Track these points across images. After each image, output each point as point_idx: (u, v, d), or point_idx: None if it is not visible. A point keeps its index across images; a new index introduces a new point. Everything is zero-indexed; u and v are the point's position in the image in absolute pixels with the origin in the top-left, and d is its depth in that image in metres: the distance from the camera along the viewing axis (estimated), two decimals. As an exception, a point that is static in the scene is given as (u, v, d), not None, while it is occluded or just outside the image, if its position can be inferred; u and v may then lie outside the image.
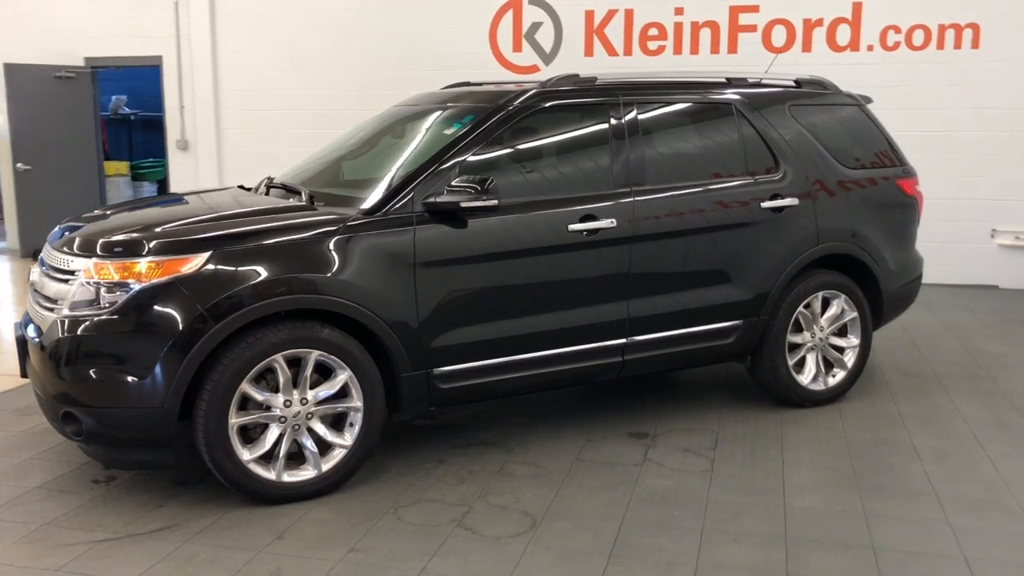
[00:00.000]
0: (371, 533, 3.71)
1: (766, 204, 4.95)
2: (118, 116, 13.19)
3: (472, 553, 3.55)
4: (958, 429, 4.93)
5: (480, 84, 5.39)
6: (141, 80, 12.71)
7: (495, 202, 4.13)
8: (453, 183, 4.13)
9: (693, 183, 4.87)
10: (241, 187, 5.12)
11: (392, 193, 4.18)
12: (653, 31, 9.34)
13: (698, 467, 4.40)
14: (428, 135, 4.63)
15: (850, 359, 5.34)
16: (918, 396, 5.48)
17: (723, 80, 5.18)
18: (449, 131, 4.49)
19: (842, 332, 5.35)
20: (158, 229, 3.94)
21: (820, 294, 5.17)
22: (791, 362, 5.14)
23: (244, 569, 3.43)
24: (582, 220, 4.46)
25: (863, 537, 3.69)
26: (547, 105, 4.61)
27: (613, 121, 4.70)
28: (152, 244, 3.81)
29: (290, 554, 3.53)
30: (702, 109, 5.09)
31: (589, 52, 9.54)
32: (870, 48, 8.94)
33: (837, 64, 8.80)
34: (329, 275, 3.92)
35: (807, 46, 9.07)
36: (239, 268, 3.81)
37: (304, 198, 4.40)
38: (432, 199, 4.14)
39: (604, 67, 9.39)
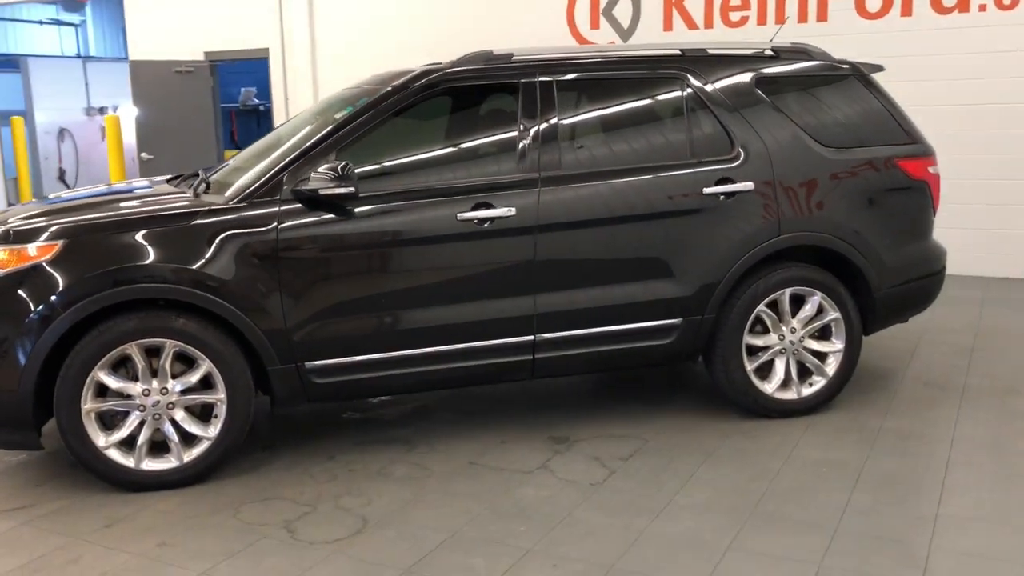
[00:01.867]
0: (195, 528, 3.64)
1: (710, 190, 4.42)
2: (247, 107, 13.87)
3: (270, 557, 3.40)
4: (934, 453, 4.23)
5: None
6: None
7: (350, 189, 3.92)
8: (319, 169, 3.96)
9: (619, 167, 4.42)
10: (176, 177, 5.18)
11: (258, 180, 4.07)
12: (735, 1, 8.66)
13: (591, 479, 4.01)
14: (325, 119, 4.47)
15: (832, 366, 4.70)
16: (919, 411, 4.75)
17: (677, 52, 4.67)
18: (340, 115, 4.31)
19: (824, 335, 4.71)
20: (22, 218, 4.03)
21: (787, 291, 4.56)
22: (751, 367, 4.58)
23: (48, 555, 3.45)
24: (475, 208, 4.16)
25: (702, 574, 3.22)
26: (448, 85, 4.32)
27: (524, 101, 4.34)
28: (12, 233, 3.91)
29: (103, 544, 3.53)
30: (642, 85, 4.61)
31: (668, 26, 9.00)
32: (982, 8, 7.85)
33: (937, 29, 7.81)
34: (181, 264, 3.87)
35: (906, 10, 8.09)
36: (90, 257, 3.83)
37: (199, 187, 4.36)
38: (298, 187, 4.00)
39: (684, 41, 8.82)
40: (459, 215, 4.14)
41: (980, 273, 8.05)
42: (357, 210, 4.05)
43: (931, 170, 4.83)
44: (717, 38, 8.70)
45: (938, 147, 4.97)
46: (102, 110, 15.03)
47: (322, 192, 3.91)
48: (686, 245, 4.43)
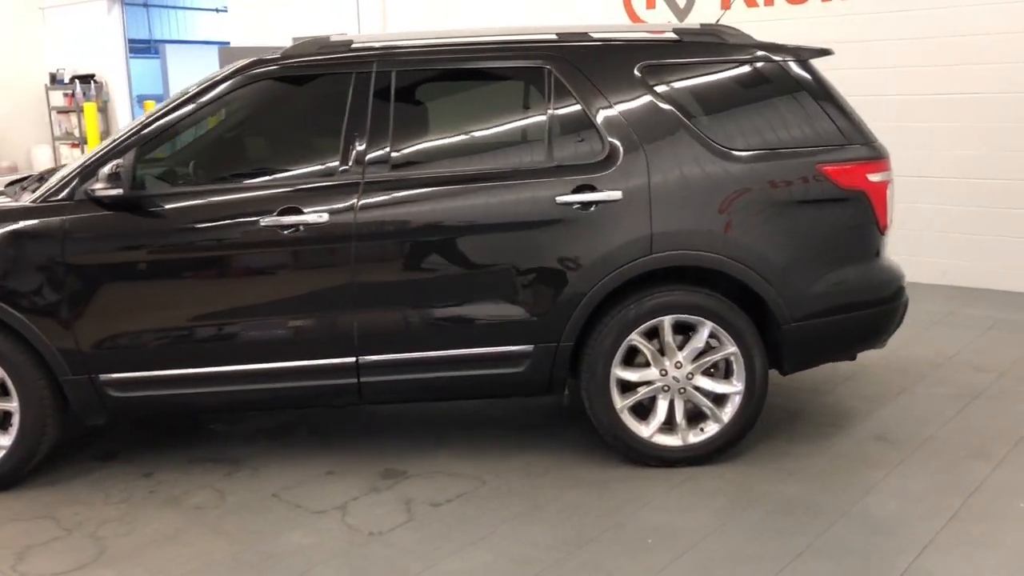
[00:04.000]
0: (-63, 545, 3.48)
1: (564, 198, 3.79)
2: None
3: (-33, 588, 3.18)
4: (804, 531, 3.44)
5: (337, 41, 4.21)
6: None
7: (116, 192, 3.61)
8: (103, 169, 3.68)
9: (459, 171, 3.87)
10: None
11: (60, 179, 3.84)
12: (797, -25, 7.68)
13: (379, 527, 3.53)
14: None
15: (729, 410, 3.95)
16: (834, 474, 3.93)
17: (550, 38, 4.02)
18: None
19: (727, 372, 3.97)
20: None
21: (667, 319, 3.86)
22: (622, 404, 3.92)
23: None
24: (282, 213, 3.75)
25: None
26: (272, 76, 3.92)
27: (355, 94, 3.87)
28: None
29: None
30: (498, 77, 4.01)
31: (727, 5, 8.10)
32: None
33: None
34: (-39, 267, 3.70)
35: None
36: None
37: (30, 186, 4.20)
38: (87, 187, 3.74)
39: (742, 21, 7.92)
40: (263, 221, 3.74)
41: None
42: (150, 212, 3.73)
43: (873, 178, 3.94)
44: (776, 15, 7.76)
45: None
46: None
47: (98, 194, 3.63)
48: (537, 262, 3.82)
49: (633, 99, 3.88)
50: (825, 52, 4.14)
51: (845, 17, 7.43)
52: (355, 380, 3.87)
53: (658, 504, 3.65)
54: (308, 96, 4.04)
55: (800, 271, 3.87)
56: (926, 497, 3.66)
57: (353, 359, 3.84)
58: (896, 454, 4.08)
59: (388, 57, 3.91)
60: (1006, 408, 4.57)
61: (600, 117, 3.84)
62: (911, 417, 4.49)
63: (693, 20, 8.25)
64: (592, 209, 3.78)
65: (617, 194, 3.79)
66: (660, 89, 3.90)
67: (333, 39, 3.98)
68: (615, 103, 3.86)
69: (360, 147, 3.81)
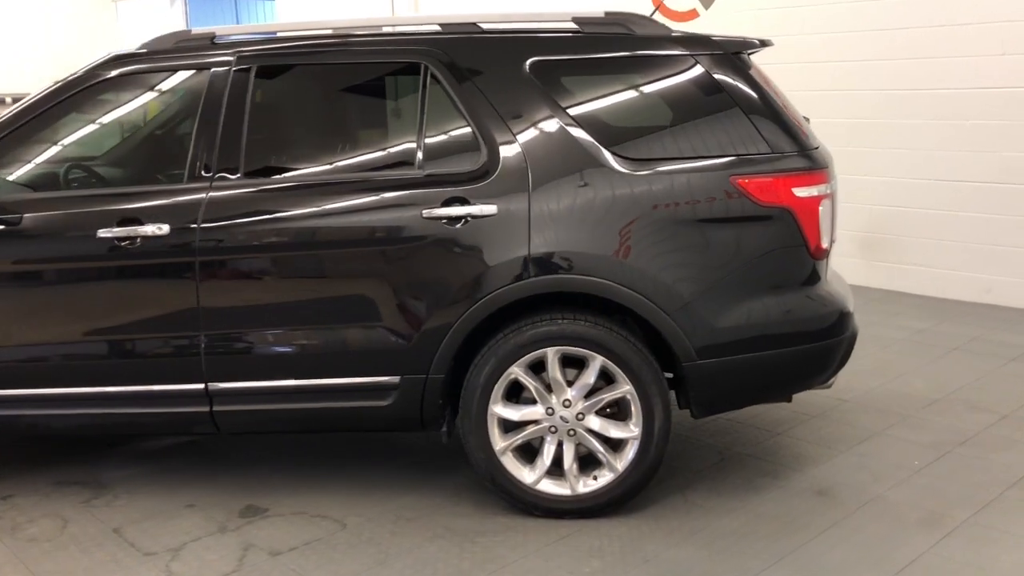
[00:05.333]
0: None
1: (432, 212, 3.34)
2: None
3: None
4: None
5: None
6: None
7: None
8: None
9: (317, 179, 3.47)
10: None
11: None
12: (828, -43, 6.97)
13: (178, 571, 3.17)
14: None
15: (625, 457, 3.44)
16: (744, 537, 3.37)
17: (433, 29, 3.57)
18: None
19: (623, 412, 3.46)
20: None
21: (550, 351, 3.37)
22: (500, 445, 3.46)
23: None
24: (120, 224, 3.42)
25: None
26: (121, 73, 3.59)
27: (210, 93, 3.51)
28: None
29: None
30: (369, 73, 3.58)
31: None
32: None
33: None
34: None
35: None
36: None
37: None
38: None
39: (771, 8, 7.28)
40: (100, 232, 3.42)
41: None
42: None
43: (801, 192, 3.34)
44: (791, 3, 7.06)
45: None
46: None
47: None
48: (402, 283, 3.39)
49: (519, 100, 3.39)
50: (763, 45, 3.56)
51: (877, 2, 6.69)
52: (207, 409, 3.52)
53: (519, 567, 3.17)
54: (162, 95, 3.70)
55: (707, 301, 3.32)
56: (841, 575, 3.08)
57: (202, 386, 3.48)
58: (830, 515, 3.48)
59: (248, 52, 3.53)
60: (988, 462, 3.89)
61: (479, 121, 3.37)
62: (868, 469, 3.86)
63: (719, 8, 7.63)
64: (462, 225, 3.32)
65: (492, 208, 3.31)
66: (551, 89, 3.40)
67: (196, 32, 3.62)
68: (498, 105, 3.38)
69: (210, 152, 3.44)
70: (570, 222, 3.30)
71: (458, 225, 3.32)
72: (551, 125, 3.35)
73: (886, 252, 6.85)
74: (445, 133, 3.44)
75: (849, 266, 6.89)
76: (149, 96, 3.72)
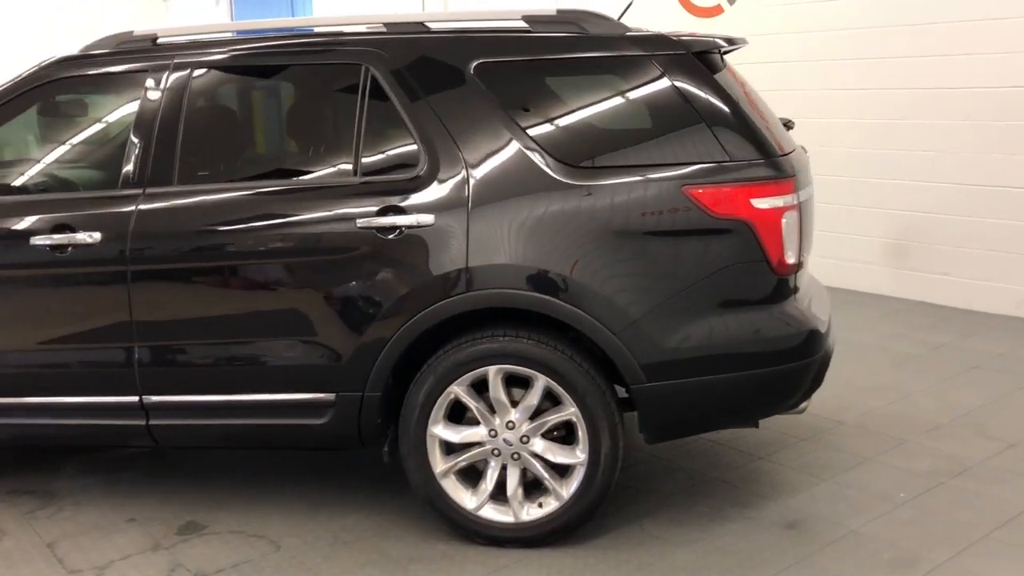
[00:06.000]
0: None
1: (366, 222, 3.17)
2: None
3: None
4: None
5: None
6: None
7: None
8: None
9: (250, 186, 3.34)
10: None
11: None
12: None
13: (116, 598, 3.07)
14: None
15: (571, 484, 3.23)
16: (708, 569, 3.13)
17: (375, 29, 3.40)
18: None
19: (568, 435, 3.26)
20: None
21: (492, 369, 3.18)
22: (441, 468, 3.28)
23: None
24: (54, 231, 3.33)
25: None
26: (63, 77, 3.50)
27: (146, 96, 3.40)
28: None
29: None
30: (309, 76, 3.43)
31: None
32: None
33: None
34: None
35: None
36: None
37: None
38: None
39: (799, 3, 6.95)
40: (33, 240, 3.33)
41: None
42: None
43: (760, 204, 3.09)
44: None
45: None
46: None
47: None
48: (335, 296, 3.23)
49: (461, 105, 3.20)
50: (731, 44, 3.31)
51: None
52: (144, 422, 3.42)
53: (449, 599, 2.99)
54: (101, 99, 3.60)
55: (657, 319, 3.09)
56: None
57: (137, 399, 3.38)
58: (794, 551, 3.23)
59: (185, 55, 3.40)
60: (982, 497, 3.58)
61: (419, 127, 3.19)
62: (849, 500, 3.58)
63: (743, 4, 7.31)
64: (398, 236, 3.14)
65: (429, 219, 3.13)
66: (496, 93, 3.20)
67: (138, 33, 3.51)
68: (439, 110, 3.19)
69: (144, 158, 3.33)
70: (511, 234, 3.10)
71: (393, 236, 3.14)
72: (495, 132, 3.16)
73: (913, 260, 6.47)
74: (384, 139, 3.27)
75: (873, 274, 6.55)
76: (89, 100, 3.62)
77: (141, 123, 3.35)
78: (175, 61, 3.38)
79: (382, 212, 3.15)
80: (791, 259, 3.15)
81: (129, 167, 3.33)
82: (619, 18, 3.48)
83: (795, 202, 3.15)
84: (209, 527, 3.52)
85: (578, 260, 3.06)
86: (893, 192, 6.48)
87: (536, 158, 3.11)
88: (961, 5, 5.98)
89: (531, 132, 3.14)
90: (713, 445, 4.09)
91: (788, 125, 3.84)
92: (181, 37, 3.47)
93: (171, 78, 3.37)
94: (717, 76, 3.24)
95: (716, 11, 7.51)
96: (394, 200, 3.15)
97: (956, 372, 4.99)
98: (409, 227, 3.13)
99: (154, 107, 3.35)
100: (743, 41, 3.43)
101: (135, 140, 3.35)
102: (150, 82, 3.38)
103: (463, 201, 3.12)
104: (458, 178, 3.14)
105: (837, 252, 6.84)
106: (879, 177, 6.57)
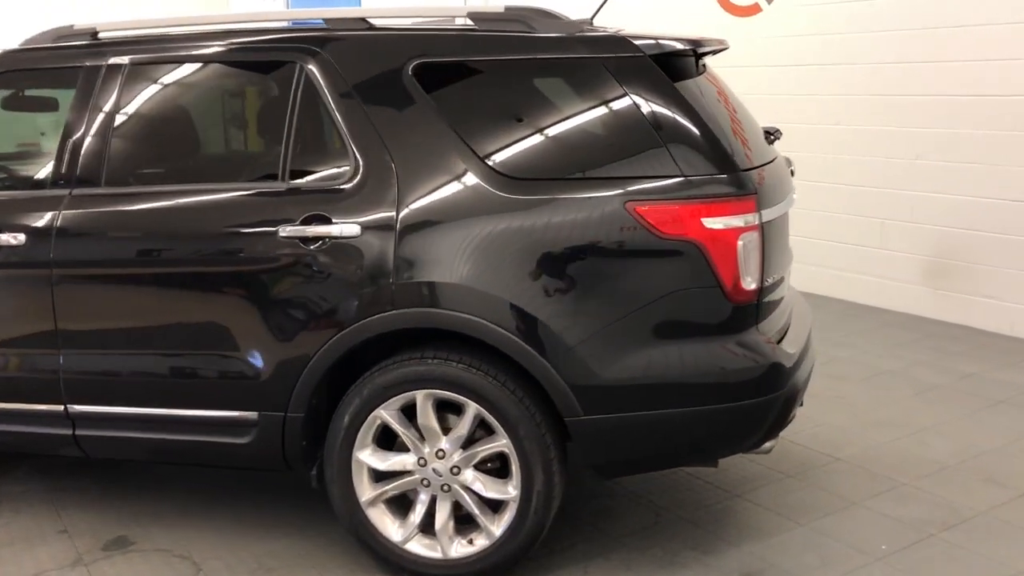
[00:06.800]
0: None
1: (289, 231, 2.98)
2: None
3: None
4: None
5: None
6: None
7: None
8: None
9: (174, 189, 3.17)
10: None
11: None
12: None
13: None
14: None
15: (503, 521, 2.99)
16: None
17: (314, 25, 3.20)
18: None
19: (503, 468, 3.02)
20: None
21: (420, 394, 2.96)
22: (367, 496, 3.08)
23: None
24: (-20, 232, 3.23)
25: None
26: (2, 71, 3.39)
27: (80, 93, 3.26)
28: None
29: None
30: (242, 73, 3.25)
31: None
32: None
33: None
34: None
35: None
36: None
37: None
38: None
39: (838, 2, 6.54)
40: (-40, 240, 3.23)
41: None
42: None
43: (712, 223, 2.79)
44: None
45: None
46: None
47: None
48: (256, 310, 3.05)
49: (396, 109, 2.98)
50: (694, 45, 3.01)
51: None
52: (70, 432, 3.29)
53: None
54: (39, 94, 3.48)
55: (596, 346, 2.82)
56: None
57: (62, 407, 3.25)
58: (746, 609, 2.92)
59: (120, 50, 3.26)
60: (973, 555, 3.21)
61: (350, 130, 2.98)
62: (820, 550, 3.25)
63: (782, 3, 6.92)
64: (322, 247, 2.93)
65: (355, 229, 2.92)
66: (434, 96, 2.96)
67: (79, 27, 3.38)
68: (372, 113, 2.98)
69: (73, 157, 3.19)
70: (440, 249, 2.86)
71: (315, 247, 2.93)
72: (429, 138, 2.92)
73: (954, 280, 6.01)
74: (315, 143, 3.08)
75: (910, 294, 6.12)
76: (26, 95, 3.50)
77: (72, 121, 3.22)
78: (109, 60, 3.23)
79: (307, 221, 2.95)
80: (750, 285, 2.84)
81: (58, 167, 3.20)
82: (592, 17, 3.21)
83: (756, 222, 2.84)
84: (137, 544, 3.37)
85: (512, 280, 2.81)
86: (933, 206, 6.03)
87: (473, 169, 2.87)
88: (1007, 6, 5.51)
89: (469, 141, 2.90)
90: (689, 478, 3.79)
91: (774, 135, 3.51)
92: (122, 32, 3.32)
93: (104, 75, 3.22)
94: (685, 82, 2.95)
95: (754, 10, 7.13)
96: (320, 209, 2.95)
97: (979, 406, 4.57)
98: (333, 238, 2.92)
99: (85, 105, 3.21)
100: (717, 43, 3.13)
101: (66, 138, 3.21)
102: (84, 79, 3.24)
103: (392, 210, 2.89)
104: (387, 188, 2.91)
105: (872, 269, 6.42)
106: (918, 189, 6.13)
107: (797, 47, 6.72)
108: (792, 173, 3.48)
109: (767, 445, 3.08)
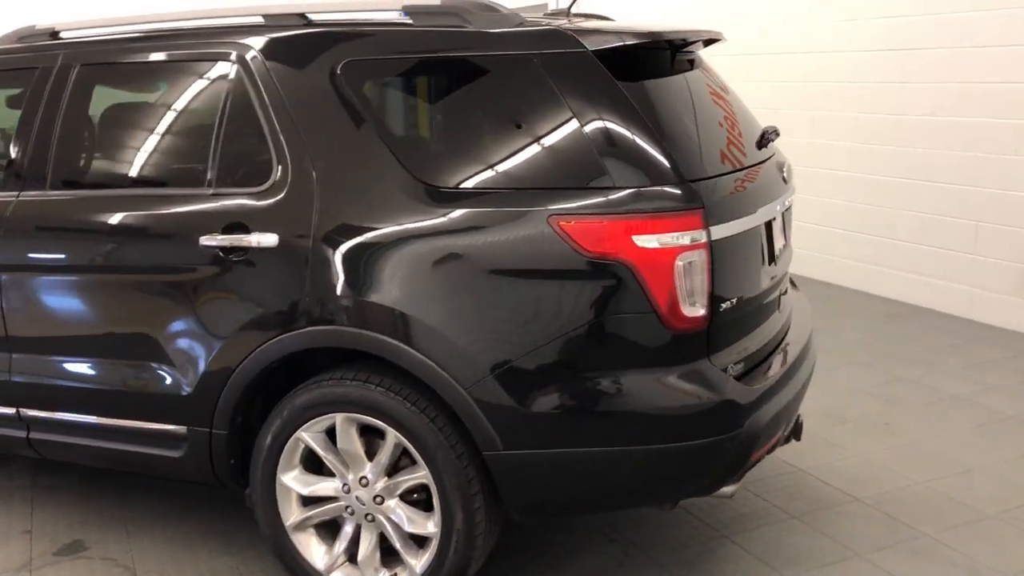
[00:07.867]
0: None
1: (208, 240, 2.84)
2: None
3: None
4: None
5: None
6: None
7: None
8: None
9: (109, 192, 3.11)
10: None
11: None
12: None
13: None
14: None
15: (424, 559, 2.78)
16: None
17: (251, 21, 3.02)
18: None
19: (428, 501, 2.80)
20: None
21: (340, 417, 2.78)
22: (292, 520, 2.93)
23: None
24: (-65, 233, 3.25)
25: None
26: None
27: (32, 94, 3.23)
28: None
29: None
30: (182, 72, 3.10)
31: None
32: None
33: None
34: None
35: None
36: None
37: None
38: None
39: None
40: (-87, 241, 3.26)
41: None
42: None
43: (645, 241, 2.46)
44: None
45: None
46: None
47: None
48: (179, 320, 2.93)
49: (321, 109, 2.78)
50: (638, 38, 2.68)
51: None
52: (24, 434, 3.28)
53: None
54: (3, 95, 3.46)
55: (519, 376, 2.55)
56: None
57: (14, 410, 3.24)
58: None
59: (72, 50, 3.19)
60: None
61: (275, 133, 2.81)
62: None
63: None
64: (240, 257, 2.78)
65: (272, 240, 2.75)
66: (361, 97, 2.75)
67: (40, 26, 3.34)
68: (297, 115, 2.79)
69: (22, 159, 3.16)
70: (355, 263, 2.66)
71: (235, 257, 2.78)
72: (351, 142, 2.72)
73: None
74: (243, 146, 2.91)
75: (1005, 306, 5.48)
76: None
77: (25, 123, 3.19)
78: (60, 61, 3.17)
79: (227, 230, 2.79)
80: (693, 311, 2.50)
81: (11, 170, 3.18)
82: (568, 10, 2.91)
83: (702, 240, 2.49)
84: (90, 550, 3.34)
85: (428, 299, 2.57)
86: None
87: (395, 178, 2.64)
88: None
89: (394, 147, 2.68)
90: (678, 512, 3.45)
91: (768, 137, 3.11)
92: (79, 31, 3.25)
93: (56, 75, 3.16)
94: (652, 81, 2.65)
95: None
96: (241, 217, 2.79)
97: (1041, 443, 4.00)
98: (251, 248, 2.75)
99: (37, 106, 3.17)
100: (708, 34, 2.80)
101: (19, 138, 3.18)
102: (38, 79, 3.20)
103: (308, 219, 2.70)
104: (306, 195, 2.72)
105: (964, 277, 5.79)
106: (1010, 188, 5.46)
107: (892, 29, 6.13)
108: (784, 180, 3.09)
109: (726, 490, 2.73)
